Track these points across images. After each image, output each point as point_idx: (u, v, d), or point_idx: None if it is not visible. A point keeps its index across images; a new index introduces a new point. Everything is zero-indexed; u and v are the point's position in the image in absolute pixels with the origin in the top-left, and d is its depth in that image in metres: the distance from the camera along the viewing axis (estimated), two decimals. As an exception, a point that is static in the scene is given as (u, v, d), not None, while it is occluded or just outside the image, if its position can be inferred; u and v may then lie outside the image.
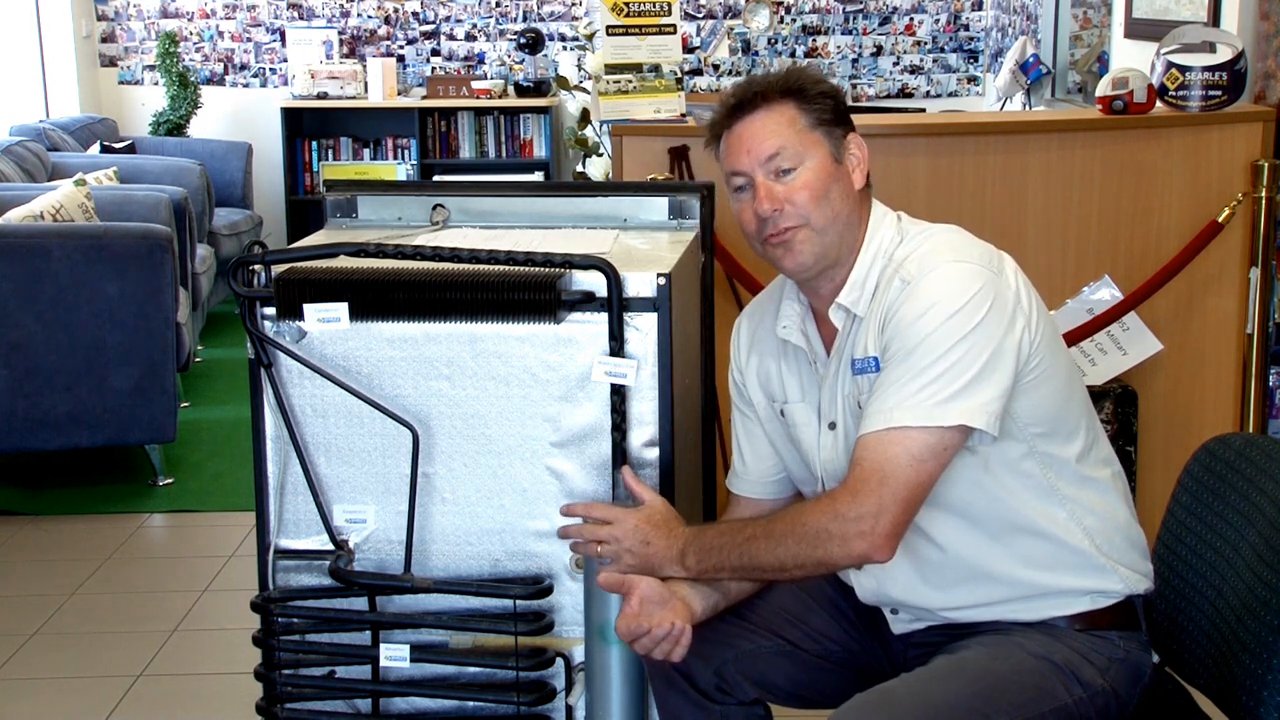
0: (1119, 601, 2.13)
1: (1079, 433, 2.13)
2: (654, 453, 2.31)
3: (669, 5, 3.77)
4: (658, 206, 2.70)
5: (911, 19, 8.26)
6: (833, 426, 2.17)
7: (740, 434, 2.35)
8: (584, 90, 7.08)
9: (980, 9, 8.22)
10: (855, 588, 2.22)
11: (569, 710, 2.37)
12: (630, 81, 3.77)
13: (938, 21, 8.26)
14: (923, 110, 7.18)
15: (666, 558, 2.12)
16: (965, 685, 2.01)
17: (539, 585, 2.33)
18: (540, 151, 8.23)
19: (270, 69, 8.48)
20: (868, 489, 1.99)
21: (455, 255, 2.28)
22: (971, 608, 2.12)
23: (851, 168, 2.16)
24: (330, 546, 2.36)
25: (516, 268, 2.25)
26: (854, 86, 8.22)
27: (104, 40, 8.49)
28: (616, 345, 2.26)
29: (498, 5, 8.36)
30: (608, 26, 3.78)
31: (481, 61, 8.40)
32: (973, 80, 8.28)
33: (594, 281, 2.26)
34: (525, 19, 8.34)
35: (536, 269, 2.24)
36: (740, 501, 2.34)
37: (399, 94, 8.24)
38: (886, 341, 2.05)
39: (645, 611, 2.08)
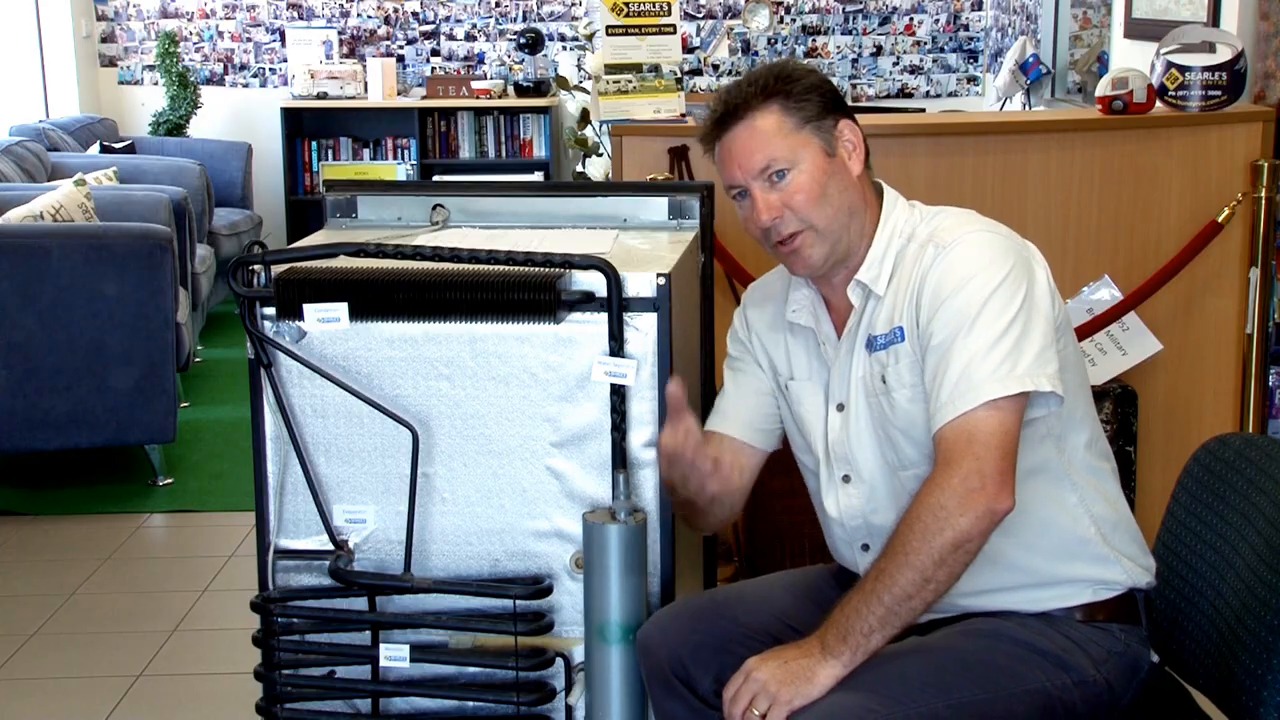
0: (1121, 594, 2.13)
1: (1087, 421, 2.15)
2: (654, 453, 2.30)
3: (669, 5, 3.76)
4: (657, 206, 2.70)
5: (911, 19, 8.26)
6: (841, 408, 2.17)
7: (729, 382, 2.31)
8: (584, 90, 7.08)
9: (980, 9, 8.22)
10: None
11: (569, 710, 2.37)
12: (630, 81, 3.77)
13: (937, 21, 8.26)
14: (923, 110, 7.18)
15: (809, 660, 1.97)
16: (928, 659, 2.01)
17: (539, 585, 2.33)
18: (540, 151, 8.23)
19: (270, 69, 8.48)
20: (958, 451, 1.96)
21: (455, 255, 2.27)
22: (978, 594, 2.11)
23: (846, 155, 2.14)
24: (330, 546, 2.36)
25: (516, 268, 2.25)
26: (854, 86, 8.22)
27: (104, 40, 8.49)
28: (616, 345, 2.26)
29: (498, 5, 8.36)
30: (608, 26, 3.77)
31: (481, 61, 8.40)
32: (973, 80, 8.28)
33: (594, 281, 2.26)
34: (525, 19, 8.34)
35: (536, 269, 2.24)
36: (719, 440, 2.25)
37: (399, 94, 8.24)
38: (932, 314, 2.03)
39: (690, 442, 2.13)
